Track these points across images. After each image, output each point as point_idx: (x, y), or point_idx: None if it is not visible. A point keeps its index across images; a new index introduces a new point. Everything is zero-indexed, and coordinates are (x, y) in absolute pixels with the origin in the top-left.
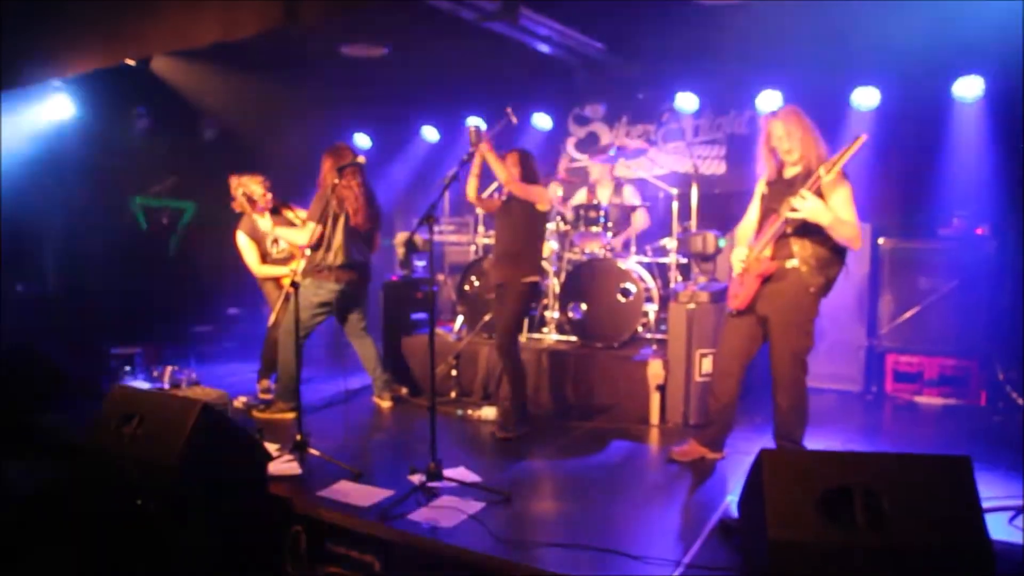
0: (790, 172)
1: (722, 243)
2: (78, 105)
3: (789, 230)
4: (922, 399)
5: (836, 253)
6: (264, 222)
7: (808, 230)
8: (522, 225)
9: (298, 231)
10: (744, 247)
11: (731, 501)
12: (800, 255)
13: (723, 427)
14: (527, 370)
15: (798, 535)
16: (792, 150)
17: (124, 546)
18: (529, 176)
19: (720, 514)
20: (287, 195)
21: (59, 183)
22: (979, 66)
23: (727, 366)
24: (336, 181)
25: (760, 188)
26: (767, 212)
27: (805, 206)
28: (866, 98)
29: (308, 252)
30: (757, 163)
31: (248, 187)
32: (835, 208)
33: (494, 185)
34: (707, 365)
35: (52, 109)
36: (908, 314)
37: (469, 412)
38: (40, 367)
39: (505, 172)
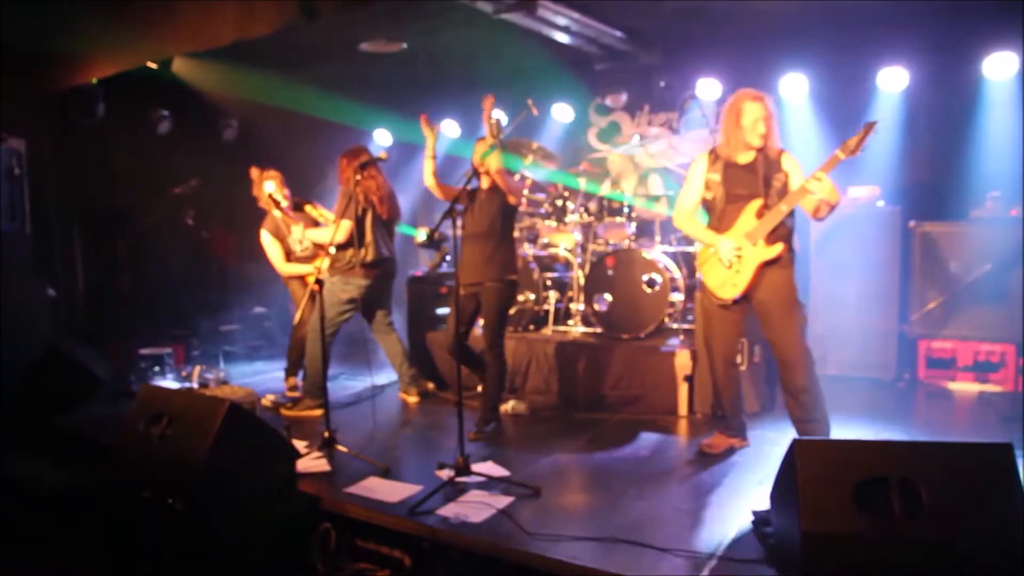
0: (744, 158)
1: None
2: (103, 107)
3: (785, 215)
4: (956, 385)
5: (792, 232)
6: (297, 230)
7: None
8: (498, 220)
9: (329, 230)
10: (730, 237)
11: (762, 492)
12: (782, 236)
13: (742, 413)
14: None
15: (832, 527)
16: (767, 134)
17: (154, 545)
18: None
19: (751, 505)
20: (309, 193)
21: (85, 186)
22: (1011, 43)
23: (729, 355)
24: (359, 177)
25: (702, 172)
26: (733, 198)
27: (822, 188)
28: (893, 79)
29: (333, 250)
30: (723, 141)
31: (261, 186)
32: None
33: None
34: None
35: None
36: (940, 299)
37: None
38: (70, 368)
39: (495, 160)
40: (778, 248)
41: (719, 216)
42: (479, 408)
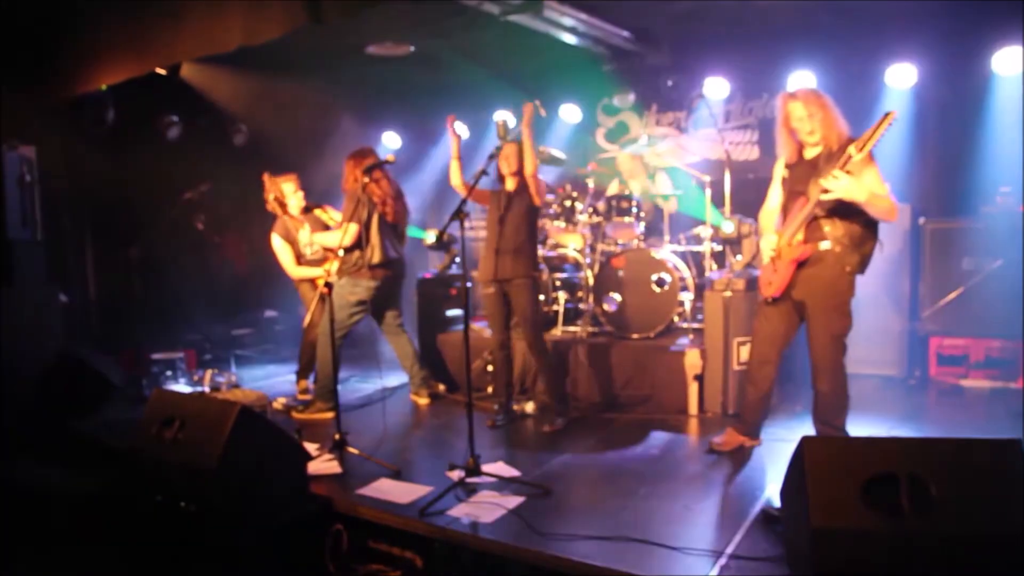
0: (810, 153)
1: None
2: (113, 114)
3: (820, 212)
4: (968, 382)
5: (868, 228)
6: (304, 233)
7: (838, 209)
8: (525, 219)
9: (337, 234)
10: (773, 234)
11: (773, 490)
12: (832, 235)
13: (762, 414)
14: (557, 360)
15: (842, 523)
16: (814, 130)
17: (167, 548)
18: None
19: (762, 503)
20: (320, 197)
21: (96, 193)
22: (1020, 38)
23: (765, 354)
24: (366, 180)
25: (779, 171)
26: (792, 195)
27: (838, 185)
28: (901, 76)
29: (342, 253)
30: (776, 145)
31: (279, 189)
32: (867, 185)
33: None
34: (744, 353)
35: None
36: (951, 296)
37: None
38: (84, 374)
39: (532, 163)
40: (800, 249)
41: (783, 212)
42: (545, 402)
